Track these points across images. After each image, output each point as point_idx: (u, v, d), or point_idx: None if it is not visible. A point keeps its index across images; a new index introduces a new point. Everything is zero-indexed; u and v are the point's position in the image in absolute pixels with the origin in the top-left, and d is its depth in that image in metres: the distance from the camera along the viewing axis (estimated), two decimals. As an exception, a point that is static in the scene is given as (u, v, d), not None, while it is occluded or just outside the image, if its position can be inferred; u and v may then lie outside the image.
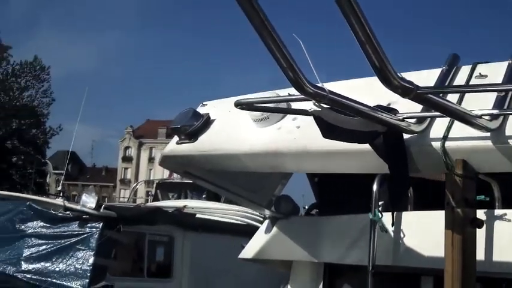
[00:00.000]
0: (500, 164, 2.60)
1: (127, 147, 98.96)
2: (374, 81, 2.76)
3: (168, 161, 3.77)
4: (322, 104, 2.32)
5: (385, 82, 2.06)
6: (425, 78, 2.99)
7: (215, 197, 13.37)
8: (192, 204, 10.94)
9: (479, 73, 2.88)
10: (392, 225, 3.98)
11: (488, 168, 2.71)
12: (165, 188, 16.67)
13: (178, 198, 14.58)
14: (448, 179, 2.63)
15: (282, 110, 3.04)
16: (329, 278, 4.37)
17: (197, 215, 9.42)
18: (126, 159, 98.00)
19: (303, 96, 2.26)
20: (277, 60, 2.04)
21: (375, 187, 3.92)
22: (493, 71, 2.86)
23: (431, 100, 2.23)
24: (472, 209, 2.65)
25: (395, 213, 4.06)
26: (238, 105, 2.68)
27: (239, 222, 9.71)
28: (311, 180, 4.78)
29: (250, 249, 4.46)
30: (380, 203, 4.37)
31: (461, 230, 2.57)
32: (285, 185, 4.54)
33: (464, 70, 2.99)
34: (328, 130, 2.47)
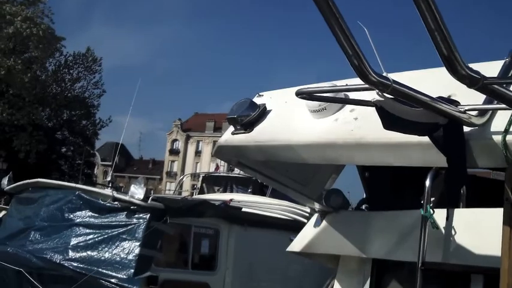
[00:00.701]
0: None
1: (174, 140, 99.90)
2: (435, 73, 2.73)
3: (222, 151, 3.79)
4: (385, 94, 2.30)
5: (453, 71, 2.03)
6: (486, 70, 2.95)
7: (260, 192, 13.44)
8: (238, 198, 11.00)
9: None
10: (447, 220, 3.94)
11: None
12: (210, 182, 16.83)
13: (224, 191, 14.69)
14: (508, 173, 2.57)
15: (344, 100, 3.02)
16: (377, 273, 4.33)
17: (243, 209, 9.46)
18: (173, 152, 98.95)
19: (366, 86, 2.25)
20: (342, 47, 2.03)
21: (427, 182, 3.87)
22: None
23: (497, 91, 2.19)
24: (532, 205, 2.60)
25: (447, 209, 4.01)
26: (300, 94, 2.68)
27: (285, 217, 9.70)
28: (362, 175, 4.75)
29: (298, 243, 4.46)
30: (432, 199, 4.33)
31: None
32: (335, 179, 4.53)
33: None
34: (390, 121, 2.45)
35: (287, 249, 4.55)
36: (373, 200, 4.68)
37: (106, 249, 7.75)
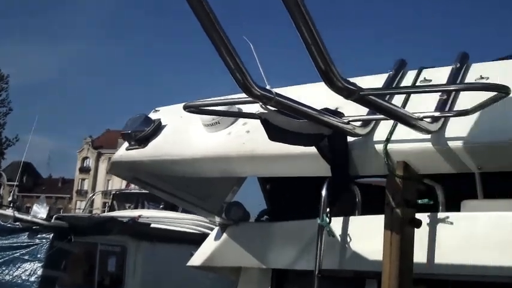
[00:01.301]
0: (440, 166, 2.67)
1: (85, 158, 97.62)
2: (323, 86, 2.81)
3: (117, 168, 3.75)
4: (268, 106, 2.35)
5: (330, 84, 2.10)
6: (372, 82, 3.06)
7: (173, 207, 13.34)
8: (147, 214, 10.89)
9: (424, 77, 2.97)
10: (343, 228, 4.05)
11: (428, 169, 2.78)
12: (121, 199, 16.57)
13: (136, 208, 14.50)
14: (389, 181, 2.69)
15: (229, 113, 3.07)
16: (277, 283, 4.39)
17: (152, 225, 9.37)
18: (84, 170, 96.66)
19: (250, 99, 2.29)
20: (225, 61, 2.06)
21: (323, 192, 3.97)
22: (438, 75, 2.94)
23: (374, 102, 2.28)
24: (411, 210, 2.72)
25: (342, 217, 4.13)
26: (187, 108, 2.69)
27: (195, 231, 9.68)
28: (263, 187, 4.81)
29: (199, 257, 4.46)
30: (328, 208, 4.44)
31: (400, 229, 2.63)
32: (236, 192, 4.56)
33: (411, 74, 3.07)
34: (275, 133, 2.50)
35: (187, 264, 4.54)
36: (274, 211, 4.75)
37: (7, 271, 7.50)
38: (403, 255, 2.65)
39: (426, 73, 3.01)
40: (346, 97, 2.16)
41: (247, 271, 4.53)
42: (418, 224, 2.81)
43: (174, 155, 3.41)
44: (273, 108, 2.36)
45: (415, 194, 2.78)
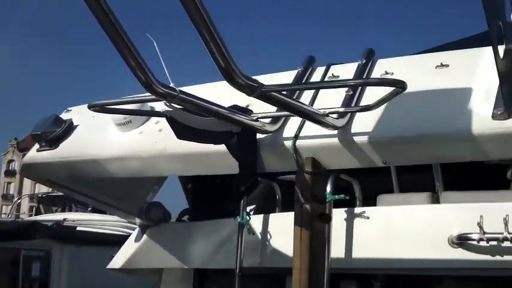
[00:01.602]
0: (347, 161, 2.71)
1: (10, 161, 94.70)
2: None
3: (28, 170, 3.64)
4: (173, 104, 2.33)
5: (230, 81, 2.09)
6: (286, 79, 3.08)
7: (101, 210, 13.12)
8: (73, 217, 10.67)
9: (332, 74, 3.01)
10: (263, 225, 4.07)
11: (336, 165, 2.82)
12: (48, 202, 16.22)
13: (63, 211, 14.18)
14: (298, 177, 2.71)
15: (133, 111, 3.03)
16: (199, 283, 4.38)
17: (78, 228, 9.19)
18: (10, 173, 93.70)
19: (154, 97, 2.27)
20: (126, 60, 2.02)
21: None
22: (345, 72, 2.98)
23: (276, 98, 2.29)
24: (321, 205, 2.76)
25: (262, 215, 4.15)
26: (91, 107, 2.63)
27: (122, 233, 9.53)
28: (184, 187, 4.78)
29: (119, 259, 4.39)
30: (252, 206, 4.46)
31: (310, 225, 2.66)
32: (156, 192, 4.51)
33: (319, 71, 3.11)
34: (182, 131, 2.48)
35: (107, 267, 4.46)
36: (195, 211, 4.73)
37: None
38: (314, 251, 2.68)
39: (334, 69, 3.05)
40: (249, 94, 2.16)
41: (169, 272, 4.50)
42: (328, 219, 2.85)
43: (86, 156, 3.34)
44: (178, 106, 2.34)
45: (324, 189, 2.82)
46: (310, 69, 3.10)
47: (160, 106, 3.05)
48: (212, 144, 2.78)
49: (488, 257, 3.40)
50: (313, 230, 2.69)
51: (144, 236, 4.33)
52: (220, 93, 2.69)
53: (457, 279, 3.73)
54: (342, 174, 3.87)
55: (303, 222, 2.68)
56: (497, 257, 3.39)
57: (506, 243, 3.32)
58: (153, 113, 2.73)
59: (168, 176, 4.71)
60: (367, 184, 4.13)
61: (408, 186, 4.09)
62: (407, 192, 4.00)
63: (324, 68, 3.10)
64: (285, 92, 2.62)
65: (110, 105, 2.65)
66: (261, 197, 4.65)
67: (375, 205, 3.95)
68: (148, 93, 2.21)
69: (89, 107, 2.65)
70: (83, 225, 9.55)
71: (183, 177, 4.77)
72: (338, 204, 3.76)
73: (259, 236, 4.07)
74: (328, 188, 3.65)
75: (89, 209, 13.31)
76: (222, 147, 2.79)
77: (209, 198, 4.68)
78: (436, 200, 3.83)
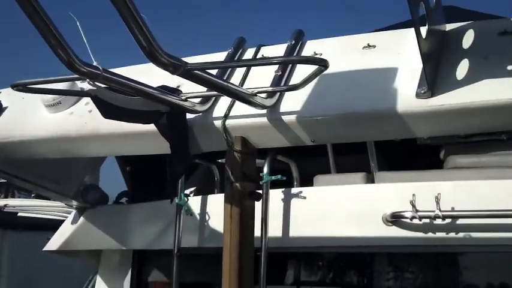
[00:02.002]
0: (276, 140, 2.73)
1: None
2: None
3: None
4: (97, 83, 2.30)
5: (154, 60, 2.08)
6: (215, 59, 3.07)
7: (45, 196, 12.88)
8: (14, 202, 10.43)
9: (262, 54, 3.01)
10: (201, 206, 4.09)
11: (265, 144, 2.84)
12: (-11, 189, 15.80)
13: (6, 197, 13.88)
14: (228, 156, 2.72)
15: (59, 91, 2.98)
16: (138, 264, 4.37)
17: (19, 214, 9.02)
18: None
19: (77, 76, 2.24)
20: (46, 39, 1.98)
21: None
22: (275, 53, 2.99)
23: (202, 77, 2.28)
24: (251, 183, 2.77)
25: (201, 196, 4.16)
26: (14, 86, 2.58)
27: (65, 218, 9.37)
28: (123, 170, 4.75)
29: (56, 241, 4.34)
30: (192, 189, 4.46)
31: (240, 203, 2.68)
32: (93, 174, 4.47)
33: (250, 52, 3.11)
34: (108, 110, 2.46)
35: (44, 249, 4.41)
36: (134, 193, 4.70)
37: None
38: (243, 228, 2.70)
39: (264, 50, 3.06)
40: (172, 72, 2.15)
41: (108, 254, 4.47)
42: (258, 197, 2.88)
43: (16, 137, 3.27)
44: (102, 85, 2.31)
45: (254, 168, 2.83)
46: (240, 50, 3.10)
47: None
48: (142, 125, 2.76)
49: (421, 234, 3.49)
50: (243, 207, 2.71)
51: (81, 218, 4.29)
52: (149, 75, 2.68)
53: (392, 257, 3.82)
54: (279, 155, 3.91)
55: (233, 200, 2.70)
56: (430, 234, 3.48)
57: (438, 221, 3.41)
58: (79, 93, 2.69)
59: (104, 158, 4.67)
60: (304, 165, 4.17)
61: (344, 167, 4.15)
62: (343, 173, 4.06)
63: (254, 49, 3.11)
64: (214, 73, 2.62)
65: (34, 85, 2.59)
66: (200, 179, 4.65)
67: (312, 185, 4.00)
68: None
69: (12, 87, 2.59)
70: (24, 211, 9.36)
71: (121, 160, 4.73)
72: (275, 185, 3.80)
73: (197, 216, 4.08)
74: (265, 169, 3.69)
75: (32, 195, 13.07)
76: (153, 127, 2.77)
77: (147, 181, 4.65)
78: (371, 180, 3.91)
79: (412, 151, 4.17)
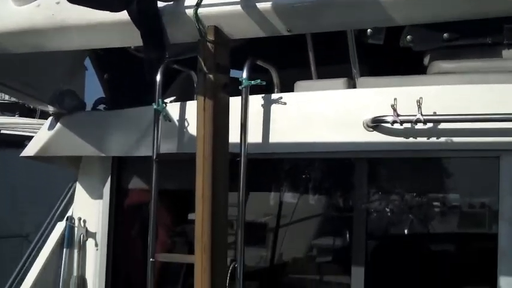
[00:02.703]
0: (250, 29, 2.62)
1: None
2: None
3: None
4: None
5: None
6: None
7: (29, 114, 12.80)
8: (-3, 121, 10.36)
9: None
10: (180, 112, 4.02)
11: (239, 33, 2.73)
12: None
13: (-12, 116, 13.79)
14: (201, 46, 2.62)
15: None
16: (117, 171, 4.34)
17: (3, 131, 8.95)
18: None
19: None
20: None
21: (158, 77, 3.89)
22: None
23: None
24: (224, 75, 2.69)
25: (179, 103, 4.08)
26: None
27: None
28: (100, 76, 4.63)
29: (33, 147, 4.27)
30: (172, 98, 4.37)
31: (213, 95, 2.60)
32: (69, 80, 4.36)
33: None
34: (74, -6, 2.33)
35: (21, 155, 4.35)
36: (112, 100, 4.60)
37: None
38: (217, 120, 2.62)
39: None
40: None
41: (87, 161, 4.43)
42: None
43: None
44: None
45: (227, 59, 2.73)
46: None
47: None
48: (112, 15, 2.65)
49: (402, 139, 3.46)
50: (217, 100, 2.63)
51: (58, 124, 4.21)
52: None
53: (372, 162, 3.79)
54: (258, 60, 3.82)
55: (206, 92, 2.61)
56: (411, 139, 3.45)
57: (419, 126, 3.37)
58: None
59: (83, 64, 4.56)
60: (285, 72, 4.08)
61: (326, 74, 4.06)
62: (324, 79, 3.98)
63: None
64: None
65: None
66: (179, 89, 4.56)
67: (293, 91, 3.92)
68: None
69: None
70: (8, 128, 9.28)
71: (98, 66, 4.61)
72: (255, 91, 3.72)
73: (176, 123, 4.02)
74: (245, 74, 3.60)
75: (17, 113, 13.00)
76: (124, 17, 2.66)
77: (125, 87, 4.56)
78: (352, 85, 3.84)
79: (395, 57, 4.09)
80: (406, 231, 4.29)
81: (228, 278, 3.22)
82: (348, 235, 4.11)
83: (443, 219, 4.06)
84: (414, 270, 3.91)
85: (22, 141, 8.85)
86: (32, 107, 12.52)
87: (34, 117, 11.57)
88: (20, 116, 12.64)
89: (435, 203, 4.05)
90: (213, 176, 2.56)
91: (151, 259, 3.80)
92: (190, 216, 4.31)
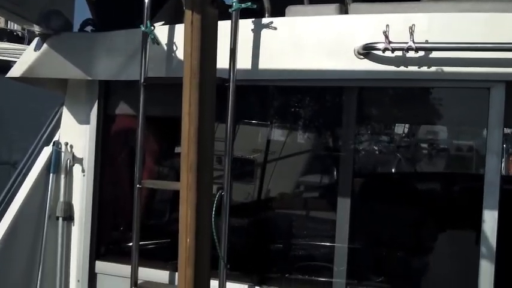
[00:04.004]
0: None
1: None
2: None
3: None
4: None
5: None
6: None
7: (18, 41, 12.61)
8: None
9: None
10: (168, 35, 3.94)
11: None
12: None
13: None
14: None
15: None
16: (104, 95, 4.28)
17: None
18: None
19: None
20: None
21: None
22: None
23: None
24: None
25: (168, 25, 4.00)
26: None
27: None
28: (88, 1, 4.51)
29: (19, 68, 4.18)
30: (161, 23, 4.27)
31: (201, 9, 2.53)
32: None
33: None
34: None
35: (6, 75, 4.27)
36: (99, 21, 4.49)
37: None
38: (205, 35, 2.56)
39: None
40: None
41: (73, 84, 4.37)
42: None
43: None
44: None
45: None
46: None
47: None
48: None
49: (393, 68, 3.42)
50: (205, 14, 2.56)
51: (45, 45, 4.12)
52: None
53: (362, 90, 3.76)
54: None
55: (193, 6, 2.54)
56: (402, 68, 3.42)
57: (411, 53, 3.33)
58: None
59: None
60: None
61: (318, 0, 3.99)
62: (316, 4, 3.91)
63: None
64: None
65: None
66: (169, 13, 4.46)
67: (284, 16, 3.85)
68: None
69: None
70: (-3, 54, 9.14)
71: None
72: (245, 14, 3.65)
73: (164, 46, 3.96)
74: (235, -4, 3.52)
75: (5, 39, 12.78)
76: None
77: (113, 9, 4.45)
78: (344, 11, 3.77)
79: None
80: (394, 161, 4.32)
81: (215, 203, 3.24)
82: (335, 164, 4.12)
83: (431, 149, 4.07)
84: (402, 194, 3.94)
85: (10, 66, 8.75)
86: (20, 34, 12.36)
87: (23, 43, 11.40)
88: (8, 39, 12.42)
89: (423, 133, 4.05)
90: (200, 93, 2.52)
91: (138, 185, 3.80)
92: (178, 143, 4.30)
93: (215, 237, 3.25)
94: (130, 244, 3.84)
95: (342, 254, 3.64)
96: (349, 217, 3.63)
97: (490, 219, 3.27)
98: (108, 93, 4.28)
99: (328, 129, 4.63)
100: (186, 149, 2.45)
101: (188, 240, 2.47)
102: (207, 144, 2.47)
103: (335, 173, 4.42)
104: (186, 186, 2.48)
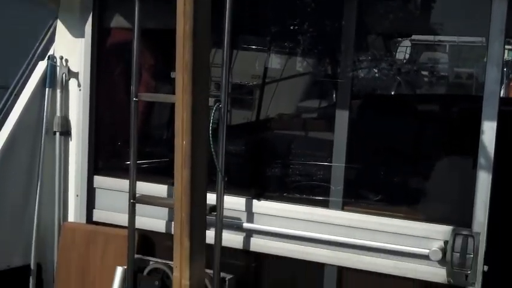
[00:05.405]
0: None
1: None
2: None
3: None
4: None
5: None
6: None
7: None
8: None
9: None
10: None
11: None
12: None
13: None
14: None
15: None
16: (99, 7, 4.18)
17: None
18: None
19: None
20: None
21: None
22: None
23: None
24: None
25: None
26: None
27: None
28: None
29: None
30: None
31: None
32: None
33: None
34: None
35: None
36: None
37: None
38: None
39: None
40: None
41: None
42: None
43: None
44: None
45: None
46: None
47: None
48: None
49: None
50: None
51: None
52: None
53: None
54: None
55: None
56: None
57: None
58: None
59: None
60: None
61: None
62: None
63: None
64: None
65: None
66: None
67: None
68: None
69: None
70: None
71: None
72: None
73: None
74: None
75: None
76: None
77: None
78: None
79: None
80: (392, 77, 4.26)
81: (212, 116, 3.20)
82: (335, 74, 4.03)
83: (430, 59, 3.99)
84: (400, 114, 3.90)
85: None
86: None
87: None
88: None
89: (422, 41, 3.97)
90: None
91: (134, 98, 3.76)
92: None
93: (212, 149, 3.24)
94: (128, 160, 3.83)
95: (338, 173, 3.63)
96: (347, 137, 3.60)
97: (488, 130, 3.23)
98: (103, 5, 4.18)
99: (327, 37, 4.51)
100: (181, 48, 2.39)
101: (184, 142, 2.44)
102: (202, 44, 2.41)
103: (334, 92, 4.37)
104: (181, 88, 2.43)
